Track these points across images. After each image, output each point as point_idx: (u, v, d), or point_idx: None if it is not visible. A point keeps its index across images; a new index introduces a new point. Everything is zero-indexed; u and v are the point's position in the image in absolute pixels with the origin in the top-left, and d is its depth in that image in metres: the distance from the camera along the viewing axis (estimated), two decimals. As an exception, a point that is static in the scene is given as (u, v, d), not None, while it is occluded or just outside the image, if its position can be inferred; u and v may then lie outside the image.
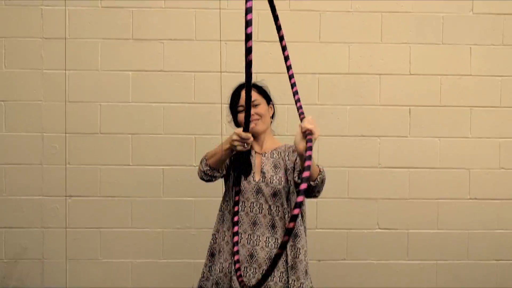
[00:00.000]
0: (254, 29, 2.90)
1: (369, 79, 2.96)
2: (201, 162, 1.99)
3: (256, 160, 2.01)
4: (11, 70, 2.91)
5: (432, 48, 2.96)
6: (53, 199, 2.93)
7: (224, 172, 2.00)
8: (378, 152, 2.98)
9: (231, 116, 2.07)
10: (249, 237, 1.91)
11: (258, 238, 1.91)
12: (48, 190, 2.93)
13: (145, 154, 2.94)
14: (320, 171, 1.81)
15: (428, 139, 2.98)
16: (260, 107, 1.99)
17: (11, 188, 2.93)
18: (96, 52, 2.91)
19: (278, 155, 2.01)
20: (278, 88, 2.84)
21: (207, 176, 1.96)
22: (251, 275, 1.90)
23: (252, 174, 1.97)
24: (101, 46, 2.91)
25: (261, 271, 1.89)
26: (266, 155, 2.01)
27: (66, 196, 2.93)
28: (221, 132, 2.88)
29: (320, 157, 2.94)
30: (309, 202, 2.96)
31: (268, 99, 2.07)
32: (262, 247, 1.91)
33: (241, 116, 1.98)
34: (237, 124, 2.04)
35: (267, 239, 1.91)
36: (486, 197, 3.00)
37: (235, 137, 1.80)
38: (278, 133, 2.96)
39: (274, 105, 2.12)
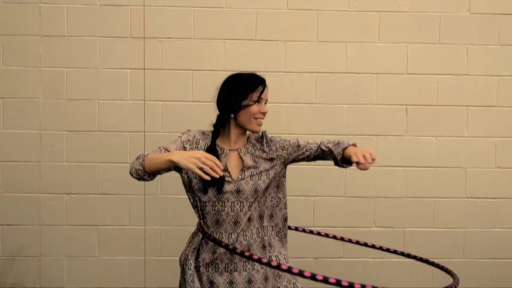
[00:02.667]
0: (252, 28, 2.90)
1: (366, 78, 2.97)
2: (137, 158, 1.85)
3: (231, 157, 1.92)
4: (9, 67, 2.91)
5: (429, 47, 2.98)
6: (51, 196, 2.93)
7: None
8: (375, 150, 2.97)
9: (228, 102, 1.91)
10: (230, 236, 1.87)
11: (237, 236, 1.87)
12: (46, 188, 2.93)
13: (143, 151, 2.94)
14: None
15: (424, 138, 3.00)
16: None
17: (9, 186, 2.93)
18: (94, 49, 2.91)
19: (253, 148, 1.94)
20: (276, 87, 2.87)
21: (137, 175, 1.83)
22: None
23: (228, 174, 1.88)
24: (99, 44, 2.91)
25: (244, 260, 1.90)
26: (242, 150, 1.92)
27: (64, 193, 2.95)
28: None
29: (317, 156, 2.95)
30: (305, 200, 2.98)
31: None
32: (240, 242, 1.88)
33: (255, 109, 1.86)
34: (233, 116, 1.91)
35: (245, 234, 1.90)
36: (482, 196, 3.02)
37: (208, 162, 1.66)
38: (276, 132, 2.97)
39: None
